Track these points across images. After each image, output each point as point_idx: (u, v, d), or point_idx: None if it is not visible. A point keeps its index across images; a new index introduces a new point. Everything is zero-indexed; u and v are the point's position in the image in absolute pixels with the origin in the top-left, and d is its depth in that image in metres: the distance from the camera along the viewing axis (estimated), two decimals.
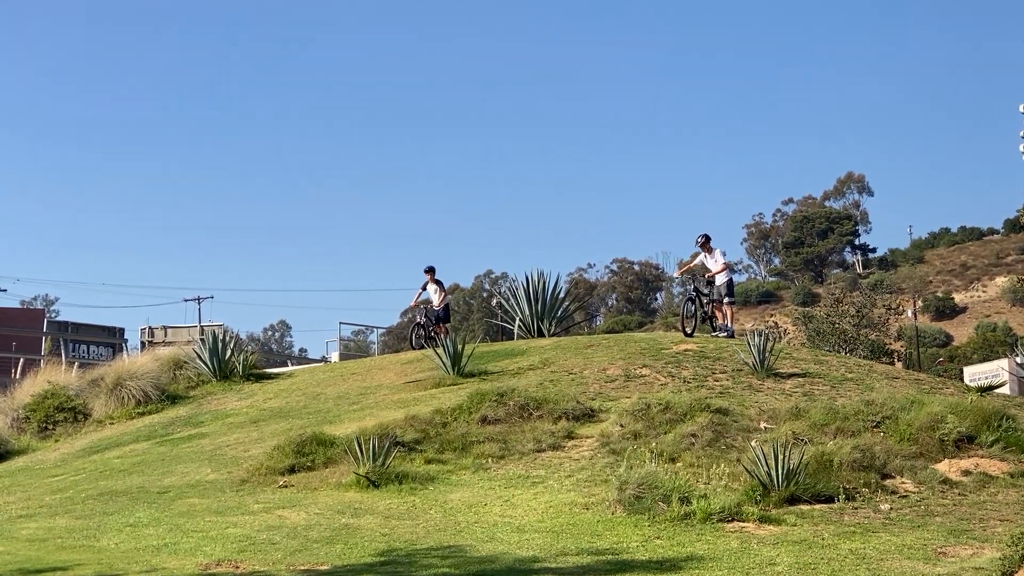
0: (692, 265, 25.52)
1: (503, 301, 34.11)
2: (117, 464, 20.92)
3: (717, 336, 23.48)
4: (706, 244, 25.29)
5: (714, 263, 24.99)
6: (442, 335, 27.49)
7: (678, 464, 15.95)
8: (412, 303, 31.47)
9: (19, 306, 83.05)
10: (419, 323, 28.02)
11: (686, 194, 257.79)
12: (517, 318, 30.66)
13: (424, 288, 29.36)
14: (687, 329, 22.96)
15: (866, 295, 76.07)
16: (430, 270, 29.33)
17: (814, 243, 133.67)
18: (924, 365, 61.68)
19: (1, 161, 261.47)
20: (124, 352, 42.35)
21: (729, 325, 24.95)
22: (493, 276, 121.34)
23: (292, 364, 37.76)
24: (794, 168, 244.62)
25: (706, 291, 24.32)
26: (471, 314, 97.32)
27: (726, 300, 25.35)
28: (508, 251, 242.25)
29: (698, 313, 23.83)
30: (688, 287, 24.25)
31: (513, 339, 30.11)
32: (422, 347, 26.84)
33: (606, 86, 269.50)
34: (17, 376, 33.99)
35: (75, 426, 26.65)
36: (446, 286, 32.23)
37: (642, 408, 18.21)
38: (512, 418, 18.65)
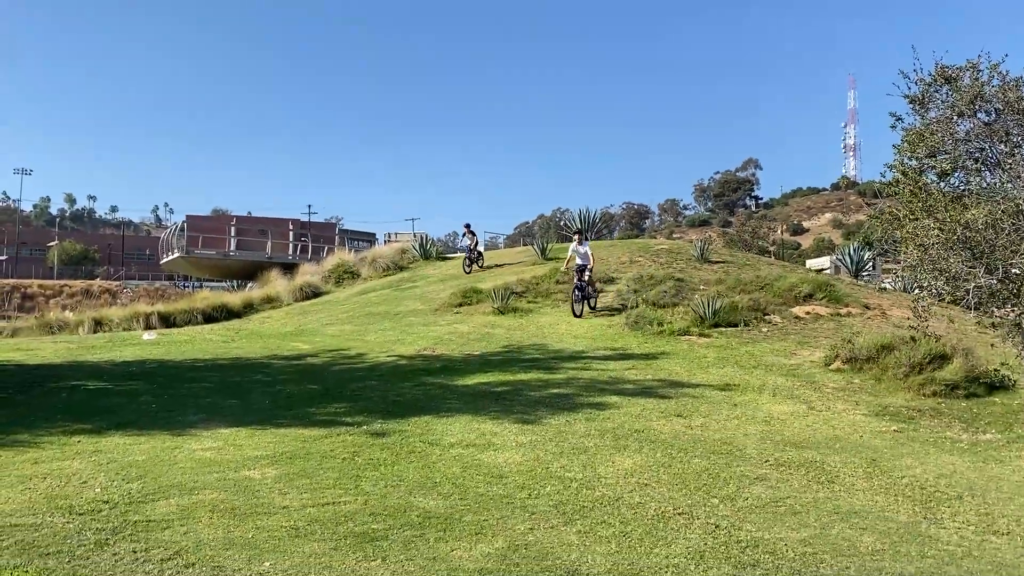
0: (571, 257, 18.02)
1: (568, 223, 34.88)
2: (374, 299, 22.07)
3: (595, 308, 17.46)
4: (581, 236, 18.10)
5: (587, 252, 17.49)
6: (481, 261, 24.57)
7: (656, 307, 16.58)
8: (460, 244, 29.12)
9: (323, 220, 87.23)
10: (466, 256, 24.54)
11: (641, 153, 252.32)
12: (573, 229, 31.57)
13: (463, 236, 26.10)
14: (576, 311, 16.86)
15: (757, 222, 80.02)
16: (467, 226, 25.98)
17: (730, 194, 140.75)
18: (786, 258, 62.19)
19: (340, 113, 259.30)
20: (375, 245, 44.05)
21: (595, 292, 17.75)
22: (561, 209, 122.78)
23: (460, 252, 38.85)
24: (723, 153, 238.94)
25: (585, 279, 17.36)
26: (549, 229, 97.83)
27: (591, 275, 17.46)
28: (563, 191, 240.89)
29: (583, 300, 17.13)
30: (575, 281, 17.37)
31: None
32: (468, 271, 23.92)
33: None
34: (324, 256, 35.90)
35: (352, 281, 27.68)
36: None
37: (639, 277, 18.93)
38: (572, 280, 18.44)
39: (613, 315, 16.76)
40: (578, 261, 17.75)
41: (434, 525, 5.71)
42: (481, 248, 26.35)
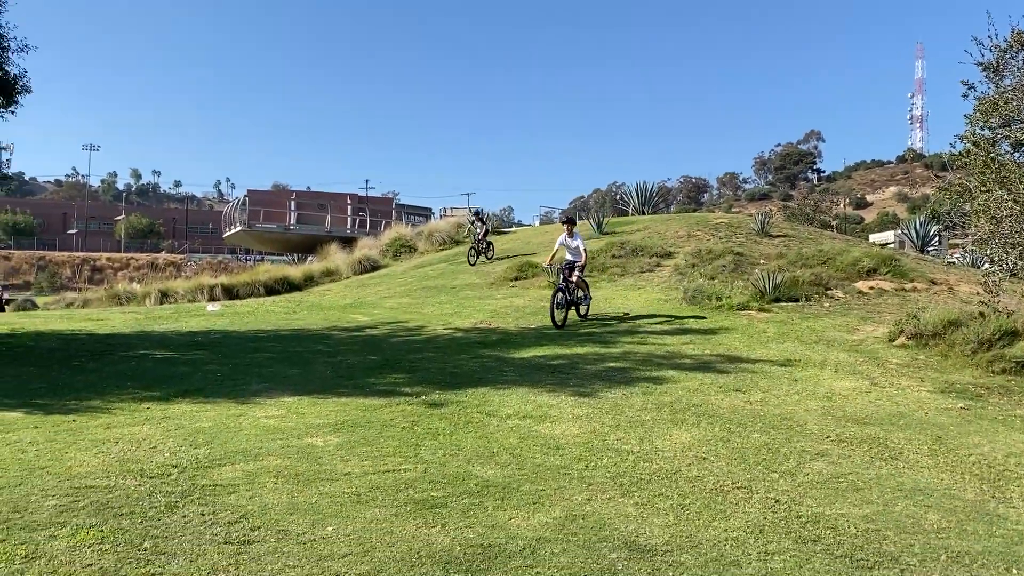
0: (557, 251, 14.74)
1: (624, 196, 34.60)
2: (431, 273, 22.44)
3: (586, 317, 14.42)
4: (571, 226, 14.75)
5: (578, 247, 14.51)
6: (490, 252, 22.91)
7: (715, 280, 16.47)
8: (467, 234, 26.88)
9: (380, 195, 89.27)
10: (472, 247, 23.09)
11: (699, 126, 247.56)
12: (631, 204, 31.33)
13: (472, 224, 24.65)
14: (556, 320, 13.66)
15: (819, 196, 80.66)
16: (476, 213, 24.93)
17: (791, 167, 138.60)
18: (849, 232, 61.15)
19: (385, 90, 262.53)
20: (432, 219, 44.56)
21: (585, 297, 14.61)
22: (617, 183, 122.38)
23: (515, 227, 38.88)
24: (784, 126, 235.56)
25: (574, 279, 14.15)
26: (604, 204, 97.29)
27: (580, 275, 14.44)
28: (620, 165, 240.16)
29: (568, 306, 13.96)
30: (558, 278, 14.40)
31: (628, 215, 30.62)
32: (473, 264, 22.41)
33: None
34: (382, 230, 36.31)
35: (409, 255, 27.96)
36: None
37: (697, 251, 18.76)
38: (628, 255, 19.27)
39: (669, 289, 16.38)
40: (568, 256, 14.58)
41: (492, 494, 5.78)
42: (491, 238, 24.35)
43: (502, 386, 9.36)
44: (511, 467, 6.42)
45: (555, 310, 13.87)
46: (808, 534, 5.31)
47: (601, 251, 19.93)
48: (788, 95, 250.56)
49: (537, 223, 47.31)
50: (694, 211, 70.77)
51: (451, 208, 52.07)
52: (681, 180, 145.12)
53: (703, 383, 9.60)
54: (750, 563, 4.81)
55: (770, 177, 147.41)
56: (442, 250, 27.43)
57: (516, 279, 18.89)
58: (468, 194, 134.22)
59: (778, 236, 20.65)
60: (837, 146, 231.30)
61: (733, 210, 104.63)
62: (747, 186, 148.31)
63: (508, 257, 23.05)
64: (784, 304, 14.67)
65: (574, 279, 14.25)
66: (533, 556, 4.73)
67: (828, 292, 15.26)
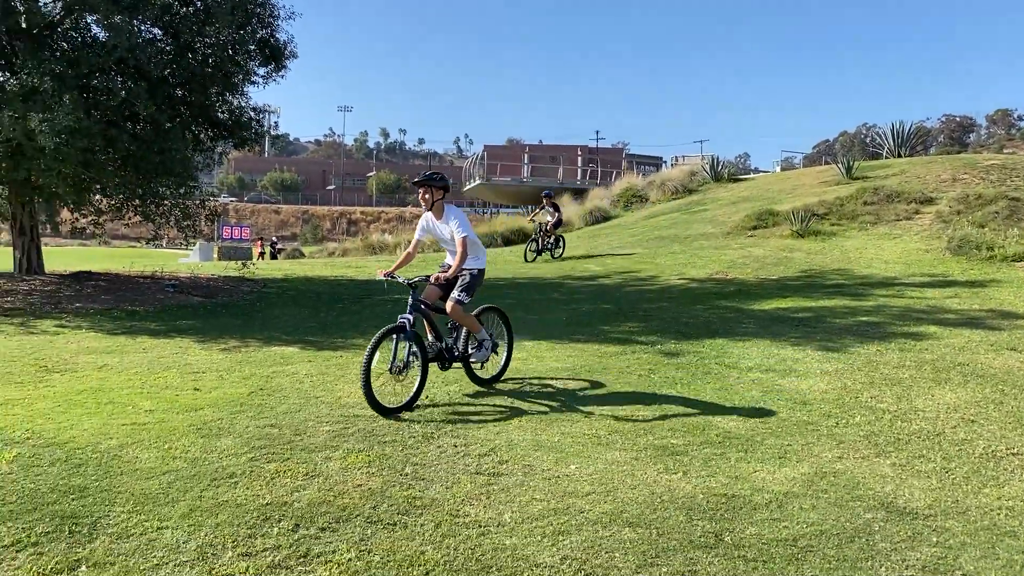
0: (414, 246, 7.32)
1: (875, 137, 32.16)
2: (663, 223, 22.38)
3: (495, 382, 7.36)
4: (432, 191, 6.93)
5: (453, 232, 6.92)
6: (558, 251, 18.73)
7: (985, 229, 15.05)
8: (528, 219, 22.90)
9: (610, 146, 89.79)
10: (533, 238, 18.98)
11: (964, 57, 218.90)
12: (885, 147, 29.09)
13: (541, 209, 19.74)
14: (383, 403, 6.28)
15: None
16: (547, 195, 19.89)
17: None
18: None
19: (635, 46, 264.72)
20: (663, 168, 44.13)
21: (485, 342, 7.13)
22: (867, 124, 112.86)
23: (753, 174, 37.51)
24: None
25: (447, 307, 6.78)
26: (853, 147, 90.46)
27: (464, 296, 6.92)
28: (869, 106, 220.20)
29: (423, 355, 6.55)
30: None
31: (881, 158, 28.46)
32: (531, 261, 18.45)
33: None
34: (612, 181, 36.61)
35: (640, 205, 28.10)
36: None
37: (963, 197, 17.35)
38: (882, 201, 18.23)
39: (930, 239, 15.16)
40: (447, 260, 7.46)
41: (734, 445, 5.68)
42: (561, 231, 19.82)
43: (741, 338, 9.17)
44: (753, 420, 6.27)
45: (369, 366, 6.36)
46: None
47: (851, 197, 18.92)
48: None
49: (777, 169, 45.06)
50: (958, 153, 64.11)
51: (683, 156, 50.95)
52: (942, 119, 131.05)
53: (970, 340, 8.82)
54: None
55: None
56: (674, 199, 27.16)
57: (754, 228, 18.29)
58: (701, 141, 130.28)
59: None
60: None
61: (1005, 151, 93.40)
62: (1022, 124, 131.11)
63: (741, 202, 22.33)
64: None
65: (448, 306, 6.98)
66: (780, 510, 4.60)
67: None
